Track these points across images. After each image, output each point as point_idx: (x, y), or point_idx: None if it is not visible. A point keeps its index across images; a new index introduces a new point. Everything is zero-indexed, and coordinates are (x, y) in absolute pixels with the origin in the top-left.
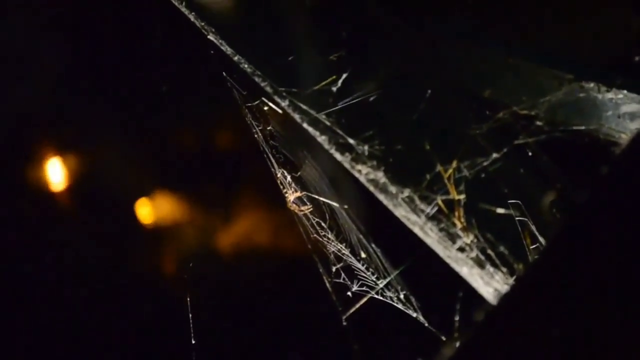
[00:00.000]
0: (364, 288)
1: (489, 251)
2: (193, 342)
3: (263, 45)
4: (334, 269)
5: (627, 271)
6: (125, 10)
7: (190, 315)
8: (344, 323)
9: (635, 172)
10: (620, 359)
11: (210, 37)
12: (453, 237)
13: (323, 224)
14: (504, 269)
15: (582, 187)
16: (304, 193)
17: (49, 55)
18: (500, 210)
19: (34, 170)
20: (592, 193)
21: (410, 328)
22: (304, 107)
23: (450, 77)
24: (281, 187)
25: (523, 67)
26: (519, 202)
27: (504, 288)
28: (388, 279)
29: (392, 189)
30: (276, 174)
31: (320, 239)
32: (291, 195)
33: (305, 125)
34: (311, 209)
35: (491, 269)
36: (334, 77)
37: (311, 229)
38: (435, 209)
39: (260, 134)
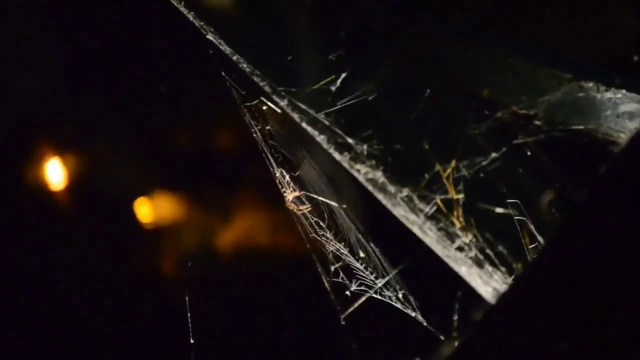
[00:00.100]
0: (363, 287)
1: (488, 251)
2: (192, 341)
3: (262, 44)
4: (332, 268)
5: (626, 270)
6: (125, 9)
7: (189, 315)
8: (343, 322)
9: (634, 172)
10: (619, 358)
11: (209, 36)
12: (452, 237)
13: (322, 224)
14: (503, 269)
15: (581, 187)
16: (302, 192)
17: (48, 55)
18: (499, 210)
19: (34, 170)
20: (590, 192)
21: (409, 327)
22: (303, 106)
23: (449, 77)
24: (280, 186)
25: (522, 67)
26: (518, 201)
27: (503, 287)
28: (387, 279)
29: (391, 188)
30: (275, 174)
31: (319, 239)
32: (290, 195)
33: (304, 124)
34: (310, 209)
35: (490, 269)
36: (333, 76)
37: (310, 229)
38: (434, 208)
39: (259, 134)
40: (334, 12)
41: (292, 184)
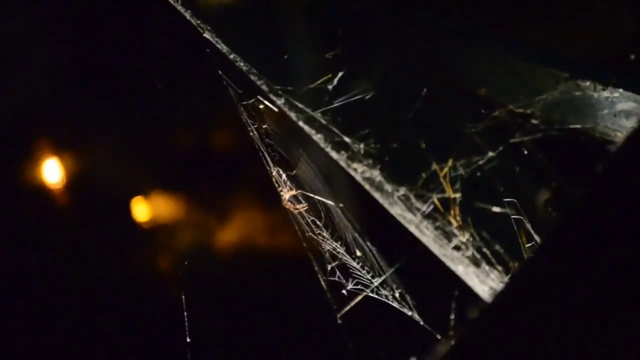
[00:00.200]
0: (359, 286)
1: (485, 250)
2: (188, 340)
3: (259, 43)
4: (329, 267)
5: (622, 268)
6: (122, 9)
7: (186, 314)
8: (339, 321)
9: (630, 170)
10: (615, 356)
11: (206, 35)
12: (449, 236)
13: (318, 222)
14: (500, 268)
15: (578, 186)
16: (299, 191)
17: (45, 55)
18: (495, 209)
19: (31, 169)
20: (587, 191)
21: (406, 326)
22: (300, 105)
23: (446, 76)
24: (276, 185)
25: (519, 66)
26: (515, 200)
27: (500, 286)
28: (383, 277)
29: (388, 187)
30: (271, 172)
31: (316, 237)
32: (286, 194)
33: (300, 123)
34: (306, 207)
35: (487, 268)
36: (330, 75)
37: (306, 227)
38: (431, 207)
39: (255, 132)
40: (331, 10)
41: (288, 183)
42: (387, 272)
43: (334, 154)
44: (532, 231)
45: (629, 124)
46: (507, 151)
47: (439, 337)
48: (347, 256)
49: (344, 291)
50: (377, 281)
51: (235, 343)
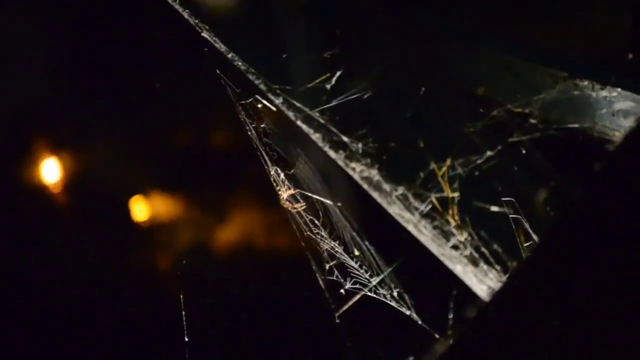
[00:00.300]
0: (357, 285)
1: (483, 249)
2: (186, 339)
3: (257, 42)
4: (327, 266)
5: (620, 268)
6: (120, 8)
7: (184, 313)
8: (337, 320)
9: (628, 170)
10: (613, 356)
11: (204, 34)
12: (447, 235)
13: (316, 222)
14: (498, 267)
15: (576, 185)
16: (297, 190)
17: (43, 54)
18: (494, 208)
19: (30, 169)
20: (585, 190)
21: (404, 325)
22: (298, 104)
23: (444, 75)
24: (274, 184)
25: (517, 65)
26: (513, 199)
27: (498, 286)
28: (381, 277)
29: (386, 186)
30: (269, 172)
31: (314, 237)
32: (284, 193)
33: (299, 122)
34: (304, 207)
35: (485, 267)
36: (328, 74)
37: (304, 227)
38: (429, 206)
39: (253, 132)
40: (329, 10)
41: (286, 182)
42: (385, 271)
43: (332, 153)
44: (530, 230)
45: (627, 123)
46: (505, 150)
47: (437, 336)
48: (345, 255)
49: (342, 290)
50: (375, 280)
51: (234, 342)
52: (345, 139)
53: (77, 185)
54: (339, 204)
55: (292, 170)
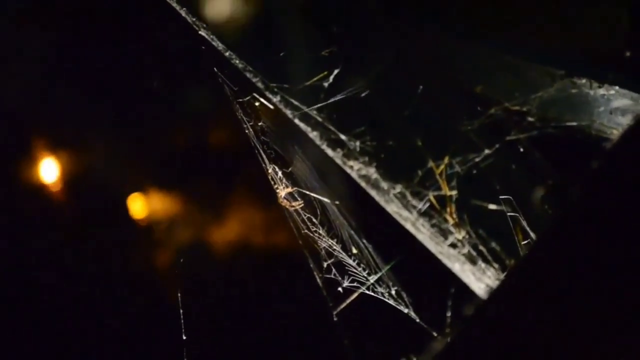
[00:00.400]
0: (355, 284)
1: (481, 247)
2: (184, 337)
3: (254, 40)
4: (325, 264)
5: (618, 265)
6: (118, 7)
7: (181, 311)
8: (335, 318)
9: (626, 167)
10: (611, 354)
11: (202, 32)
12: (445, 233)
13: (314, 220)
14: (496, 265)
15: (574, 183)
16: (295, 189)
17: (40, 53)
18: (492, 206)
19: (29, 168)
20: (583, 188)
21: (402, 324)
22: (296, 102)
23: (442, 74)
24: (272, 182)
25: (515, 64)
26: (511, 198)
27: (496, 284)
28: (379, 275)
29: (384, 184)
30: (267, 170)
31: (311, 235)
32: (282, 191)
33: (296, 120)
34: (302, 205)
35: (483, 265)
36: (326, 72)
37: (302, 225)
38: (427, 205)
39: (251, 130)
40: (327, 8)
41: (284, 180)
42: (383, 269)
43: (329, 152)
44: (528, 228)
45: (625, 121)
46: (503, 149)
47: (435, 334)
48: (343, 253)
49: (339, 288)
50: (373, 278)
51: (231, 340)
52: (343, 137)
53: (76, 184)
54: (337, 202)
55: (289, 168)
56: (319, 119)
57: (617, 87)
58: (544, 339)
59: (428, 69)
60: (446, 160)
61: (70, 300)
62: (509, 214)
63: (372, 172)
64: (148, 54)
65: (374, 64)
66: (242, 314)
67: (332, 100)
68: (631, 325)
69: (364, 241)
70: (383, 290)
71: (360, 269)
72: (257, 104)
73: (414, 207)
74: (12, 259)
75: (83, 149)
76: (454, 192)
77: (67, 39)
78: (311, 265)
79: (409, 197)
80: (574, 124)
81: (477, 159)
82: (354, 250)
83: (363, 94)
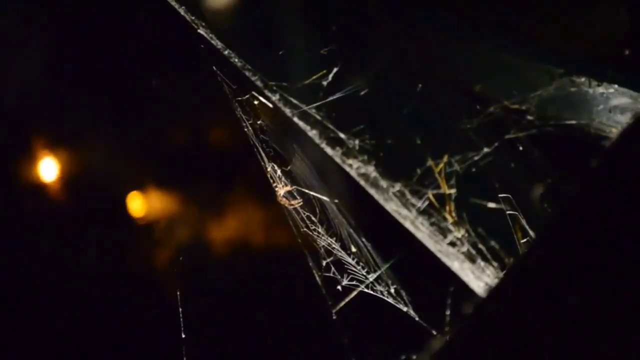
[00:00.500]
0: (354, 282)
1: (480, 245)
2: (183, 336)
3: (253, 39)
4: (324, 263)
5: (617, 263)
6: (117, 5)
7: (181, 310)
8: (334, 317)
9: (625, 166)
10: (610, 353)
11: (200, 31)
12: (444, 232)
13: (313, 218)
14: (495, 264)
15: (573, 181)
16: (294, 187)
17: (39, 51)
18: (491, 205)
19: (28, 167)
20: (582, 187)
21: (401, 322)
22: (295, 101)
23: (441, 72)
24: (271, 181)
25: (514, 62)
26: (510, 196)
27: (495, 282)
28: (378, 273)
29: (383, 183)
30: (266, 168)
31: (311, 233)
32: (281, 189)
33: (295, 119)
34: (301, 203)
35: (482, 264)
36: (325, 71)
37: (301, 223)
38: (426, 203)
39: (250, 128)
40: (326, 6)
41: (283, 179)
42: (382, 268)
43: (329, 150)
44: (527, 227)
45: (624, 119)
46: (502, 147)
47: (434, 332)
48: (342, 252)
49: (339, 287)
50: (372, 277)
51: (230, 339)
52: (342, 135)
53: (75, 183)
54: (336, 201)
55: (288, 167)
56: (318, 118)
57: (616, 86)
58: (543, 337)
59: (427, 67)
60: (445, 158)
61: (70, 299)
62: (508, 212)
63: (371, 170)
64: (147, 52)
65: (373, 62)
66: (241, 312)
67: (331, 98)
68: (631, 324)
69: (363, 239)
70: (382, 289)
71: (359, 267)
72: (256, 102)
73: (413, 205)
74: (11, 258)
75: (83, 148)
76: (453, 191)
77: (67, 39)
78: (310, 264)
79: (408, 196)
80: (573, 122)
81: (476, 158)
82: (353, 249)
83: (362, 93)
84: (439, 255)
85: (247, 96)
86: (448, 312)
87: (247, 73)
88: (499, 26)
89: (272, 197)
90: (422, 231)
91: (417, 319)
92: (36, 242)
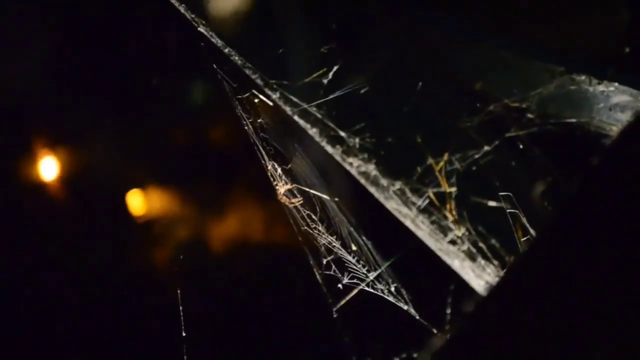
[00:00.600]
0: (355, 280)
1: (481, 244)
2: (184, 334)
3: (254, 37)
4: (324, 261)
5: (618, 262)
6: (117, 3)
7: (181, 308)
8: (335, 315)
9: (625, 164)
10: (611, 351)
11: (201, 29)
12: (444, 230)
13: (314, 217)
14: (496, 262)
15: (573, 179)
16: (294, 185)
17: (39, 50)
18: (491, 203)
19: (28, 166)
20: (583, 185)
21: (401, 320)
22: (295, 99)
23: (442, 70)
24: (272, 179)
25: (514, 60)
26: (510, 194)
27: (495, 281)
28: (379, 272)
29: (384, 181)
30: (267, 167)
31: (311, 232)
32: (282, 188)
33: (296, 117)
34: (302, 202)
35: (482, 262)
36: (325, 69)
37: (302, 222)
38: (427, 201)
39: (250, 127)
40: (327, 4)
41: (284, 177)
42: (383, 266)
43: (329, 148)
44: (527, 225)
45: (624, 117)
46: (502, 145)
47: (434, 331)
48: (343, 250)
49: (339, 285)
50: (372, 275)
51: (231, 337)
52: (342, 133)
53: (75, 182)
54: (337, 199)
55: (289, 165)
56: (319, 116)
57: (616, 84)
58: (543, 336)
59: (427, 65)
60: (446, 157)
61: (70, 298)
62: (508, 210)
63: (371, 168)
64: (147, 51)
65: (373, 61)
66: (242, 311)
67: (331, 96)
68: (631, 324)
69: (364, 238)
70: (383, 287)
71: (359, 265)
72: (256, 100)
73: (414, 203)
74: (11, 257)
75: (83, 147)
76: (453, 189)
77: (67, 38)
78: (311, 262)
79: (409, 194)
80: (574, 120)
81: (476, 156)
82: (354, 247)
83: (362, 91)
84: (439, 253)
85: (247, 94)
86: (448, 311)
87: (247, 71)
88: (499, 24)
89: (273, 196)
90: (422, 229)
91: (417, 317)
92: (36, 242)
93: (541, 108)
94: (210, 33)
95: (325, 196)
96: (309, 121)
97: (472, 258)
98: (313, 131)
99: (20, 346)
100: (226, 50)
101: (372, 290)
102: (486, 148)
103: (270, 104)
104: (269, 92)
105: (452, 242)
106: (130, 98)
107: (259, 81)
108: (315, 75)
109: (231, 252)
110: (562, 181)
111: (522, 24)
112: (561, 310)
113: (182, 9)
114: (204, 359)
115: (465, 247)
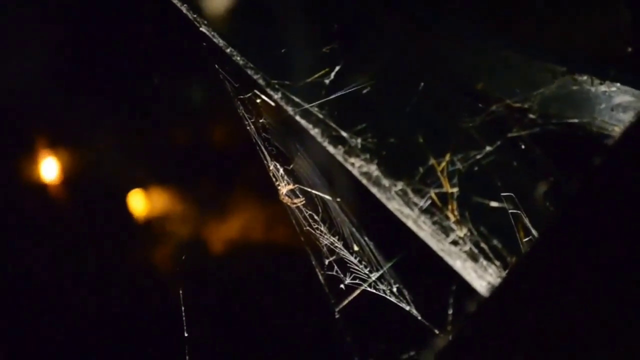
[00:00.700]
0: (357, 281)
1: (483, 244)
2: (186, 334)
3: (255, 37)
4: (326, 261)
5: (620, 263)
6: (118, 3)
7: (183, 308)
8: (337, 315)
9: (627, 164)
10: (612, 352)
11: (203, 29)
12: (446, 231)
13: (316, 217)
14: (498, 263)
15: (575, 180)
16: (296, 186)
17: (39, 50)
18: (493, 204)
19: (29, 166)
20: (585, 185)
21: (403, 321)
22: (297, 99)
23: (444, 70)
24: (274, 179)
25: (516, 60)
26: (512, 195)
27: (497, 281)
28: (381, 272)
29: (385, 182)
30: (268, 167)
31: (313, 232)
32: (284, 188)
33: (297, 117)
34: (304, 202)
35: (484, 263)
36: (327, 69)
37: (304, 222)
38: (429, 202)
39: (252, 127)
40: (328, 5)
41: (286, 177)
42: (385, 266)
43: (331, 149)
44: (529, 226)
45: (626, 117)
46: (504, 146)
47: (436, 331)
48: (345, 251)
49: (341, 285)
50: (374, 276)
51: (233, 337)
52: (344, 134)
53: (76, 182)
54: (338, 199)
55: (291, 166)
56: (320, 116)
57: (618, 84)
58: (545, 336)
59: (429, 66)
60: (447, 157)
61: (71, 298)
62: (510, 211)
63: (373, 169)
64: (149, 51)
65: (375, 61)
66: (244, 311)
67: (333, 97)
68: (632, 324)
69: (366, 238)
70: (385, 288)
71: (361, 266)
72: (258, 100)
73: (416, 204)
74: (11, 258)
75: (83, 147)
76: (455, 190)
77: (67, 38)
78: (313, 262)
79: (411, 195)
80: (576, 120)
81: (478, 156)
82: (356, 248)
83: (364, 91)
84: (441, 254)
85: (249, 94)
86: (450, 311)
87: (249, 71)
88: (500, 24)
89: (275, 196)
90: (424, 230)
91: (419, 317)
92: (37, 242)
93: (543, 108)
94: (212, 33)
95: (327, 196)
96: (310, 121)
97: (474, 259)
98: (315, 131)
99: (20, 346)
100: (228, 51)
101: (374, 291)
102: (488, 148)
103: (272, 104)
104: (271, 92)
105: (454, 242)
106: (131, 98)
107: (260, 81)
108: (317, 75)
109: (233, 252)
110: (564, 181)
111: (524, 24)
112: (563, 311)
113: (183, 9)
114: (206, 359)
115: (467, 248)
